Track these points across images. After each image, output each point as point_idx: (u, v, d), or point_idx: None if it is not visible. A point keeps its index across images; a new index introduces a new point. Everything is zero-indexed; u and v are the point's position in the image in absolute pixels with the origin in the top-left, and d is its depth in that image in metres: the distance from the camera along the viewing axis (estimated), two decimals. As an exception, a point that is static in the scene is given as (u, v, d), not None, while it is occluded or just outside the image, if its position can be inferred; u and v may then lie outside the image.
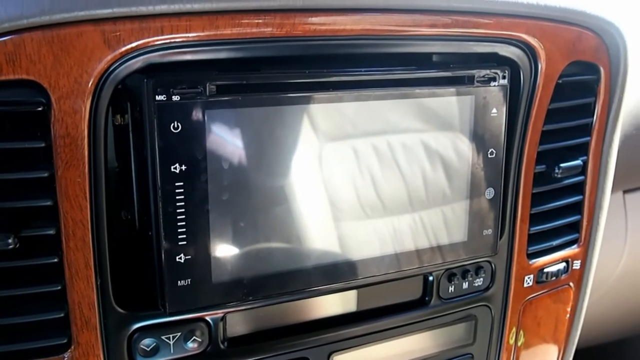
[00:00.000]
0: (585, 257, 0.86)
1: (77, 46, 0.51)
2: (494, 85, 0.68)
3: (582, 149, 0.80)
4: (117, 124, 0.58)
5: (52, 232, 0.54)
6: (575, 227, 0.84)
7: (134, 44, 0.52)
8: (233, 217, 0.58)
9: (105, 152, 0.55)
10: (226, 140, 0.57)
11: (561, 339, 0.90)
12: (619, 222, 1.13)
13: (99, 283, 0.57)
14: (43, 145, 0.52)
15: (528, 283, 0.81)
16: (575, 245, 0.84)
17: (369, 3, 0.60)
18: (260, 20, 0.56)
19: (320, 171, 0.62)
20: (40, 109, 0.52)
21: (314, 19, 0.58)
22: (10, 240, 0.52)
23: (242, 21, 0.55)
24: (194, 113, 0.55)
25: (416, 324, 0.74)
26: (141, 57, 0.53)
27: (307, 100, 0.59)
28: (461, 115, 0.67)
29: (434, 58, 0.70)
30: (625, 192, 1.14)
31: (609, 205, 0.85)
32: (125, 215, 0.62)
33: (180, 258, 0.57)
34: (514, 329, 0.83)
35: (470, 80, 0.66)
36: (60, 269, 0.56)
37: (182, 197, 0.56)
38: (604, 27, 0.73)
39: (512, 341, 0.83)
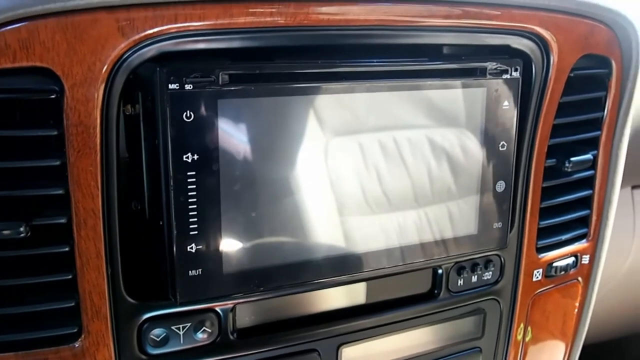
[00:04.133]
0: (594, 252, 0.86)
1: (91, 33, 0.51)
2: (506, 78, 0.67)
3: (593, 143, 0.80)
4: (128, 113, 0.58)
5: (63, 220, 0.54)
6: (584, 221, 0.84)
7: (147, 32, 0.52)
8: (244, 208, 0.58)
9: (117, 141, 0.55)
10: (238, 130, 0.56)
11: (569, 334, 0.89)
12: (627, 218, 1.13)
13: (109, 272, 0.57)
14: (55, 133, 0.52)
15: (537, 277, 0.81)
16: (584, 240, 0.84)
17: (383, -7, 0.60)
18: (274, 9, 0.56)
19: (336, 163, 0.61)
20: (53, 96, 0.51)
21: (328, 9, 0.58)
22: (21, 229, 0.52)
23: (256, 10, 0.55)
24: (206, 102, 0.54)
25: (425, 317, 0.74)
26: (154, 46, 0.53)
27: (320, 91, 0.59)
28: (473, 107, 0.67)
29: (445, 50, 0.70)
30: (633, 187, 1.13)
31: (618, 201, 0.85)
32: (135, 205, 0.61)
33: (192, 248, 0.57)
34: (522, 325, 0.82)
35: (482, 73, 0.66)
36: (71, 258, 0.55)
37: (194, 186, 0.56)
38: (617, 21, 0.73)
39: (520, 336, 0.83)
